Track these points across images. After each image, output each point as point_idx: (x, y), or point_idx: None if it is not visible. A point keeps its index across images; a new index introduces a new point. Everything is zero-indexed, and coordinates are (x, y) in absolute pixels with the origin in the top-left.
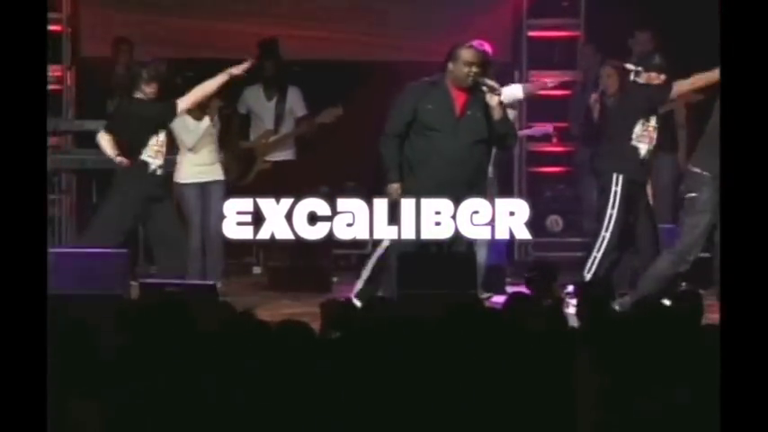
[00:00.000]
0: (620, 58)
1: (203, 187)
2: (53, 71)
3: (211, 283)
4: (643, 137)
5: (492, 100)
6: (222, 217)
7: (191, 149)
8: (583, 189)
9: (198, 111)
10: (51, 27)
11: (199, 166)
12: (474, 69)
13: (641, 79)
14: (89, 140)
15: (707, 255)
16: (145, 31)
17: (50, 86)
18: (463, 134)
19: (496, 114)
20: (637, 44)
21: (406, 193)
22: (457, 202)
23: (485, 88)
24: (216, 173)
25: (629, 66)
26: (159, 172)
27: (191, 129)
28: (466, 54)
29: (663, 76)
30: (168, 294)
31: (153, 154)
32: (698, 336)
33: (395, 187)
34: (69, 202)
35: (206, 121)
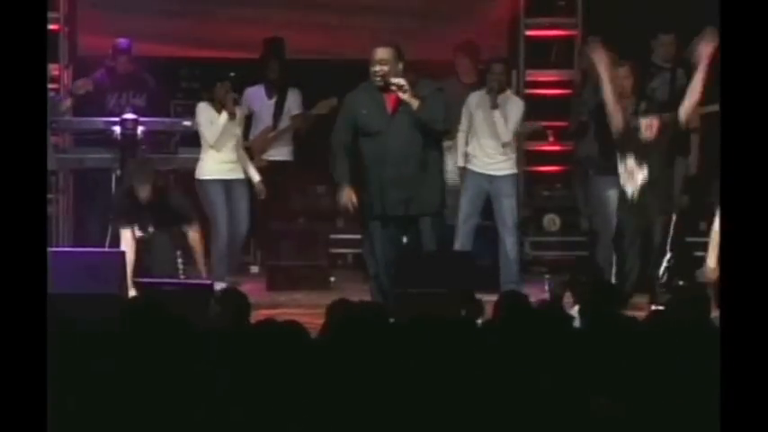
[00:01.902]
0: (632, 58)
1: (227, 185)
2: (50, 70)
3: (208, 282)
4: (625, 178)
5: (404, 96)
6: (246, 216)
7: (212, 146)
8: (579, 188)
9: (219, 104)
10: (49, 26)
11: (223, 162)
12: (378, 67)
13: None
14: (86, 139)
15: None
16: (142, 30)
17: (48, 85)
18: (398, 131)
19: (414, 106)
20: (660, 46)
21: (366, 190)
22: (409, 199)
23: (393, 87)
24: (240, 171)
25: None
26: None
27: (212, 122)
28: (375, 53)
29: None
30: (167, 293)
31: None
32: (701, 336)
33: (344, 192)
34: (67, 201)
35: (223, 115)
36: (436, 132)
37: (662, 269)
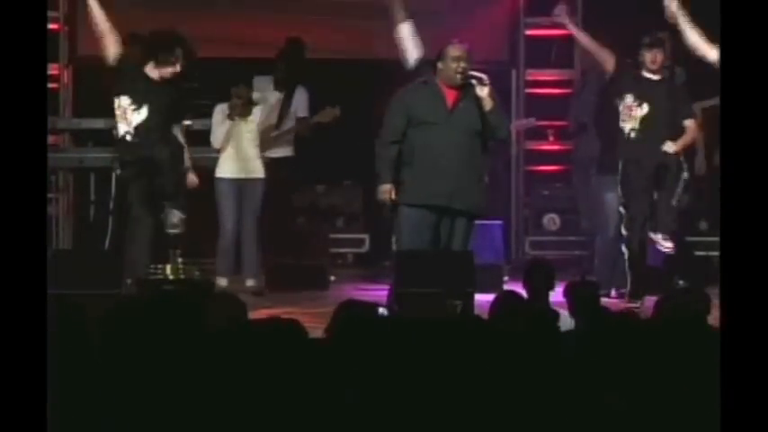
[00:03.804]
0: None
1: (241, 183)
2: (50, 69)
3: (209, 281)
4: (624, 115)
5: (482, 92)
6: (258, 215)
7: (219, 149)
8: (579, 188)
9: (230, 107)
10: (49, 25)
11: (237, 160)
12: (462, 64)
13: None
14: (86, 139)
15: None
16: (144, 30)
17: (48, 85)
18: (456, 126)
19: (487, 106)
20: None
21: (405, 183)
22: (454, 192)
23: (474, 81)
24: (256, 170)
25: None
26: (129, 138)
27: (219, 125)
28: (453, 50)
29: (658, 54)
30: (166, 292)
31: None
32: (699, 336)
33: (387, 188)
34: (67, 201)
35: (226, 121)
36: (495, 138)
37: (679, 192)
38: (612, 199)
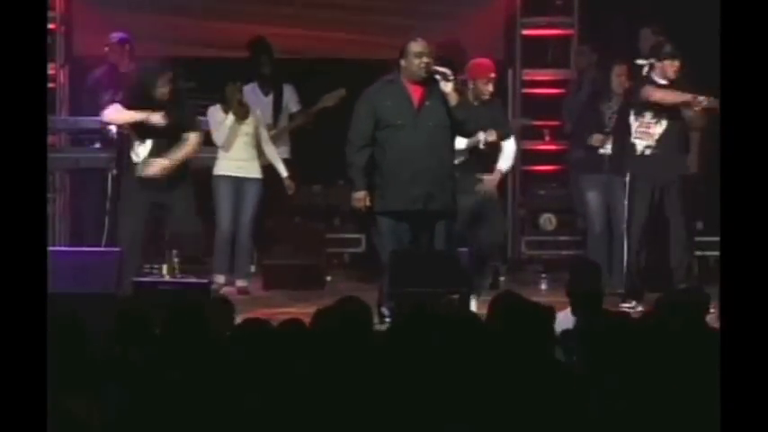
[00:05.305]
0: (627, 58)
1: (238, 183)
2: (47, 69)
3: (205, 281)
4: (640, 132)
5: (446, 87)
6: (255, 216)
7: (221, 147)
8: (575, 187)
9: (227, 106)
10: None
11: (235, 160)
12: (425, 59)
13: (655, 72)
14: (83, 139)
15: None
16: (138, 30)
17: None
18: (424, 125)
19: (452, 100)
20: (644, 40)
21: (379, 189)
22: (428, 195)
23: (438, 76)
24: (253, 170)
25: (640, 61)
26: (142, 174)
27: (220, 124)
28: (415, 46)
29: (677, 63)
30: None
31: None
32: (698, 336)
33: (360, 195)
34: (63, 201)
35: (230, 117)
36: (463, 132)
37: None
38: (594, 197)
